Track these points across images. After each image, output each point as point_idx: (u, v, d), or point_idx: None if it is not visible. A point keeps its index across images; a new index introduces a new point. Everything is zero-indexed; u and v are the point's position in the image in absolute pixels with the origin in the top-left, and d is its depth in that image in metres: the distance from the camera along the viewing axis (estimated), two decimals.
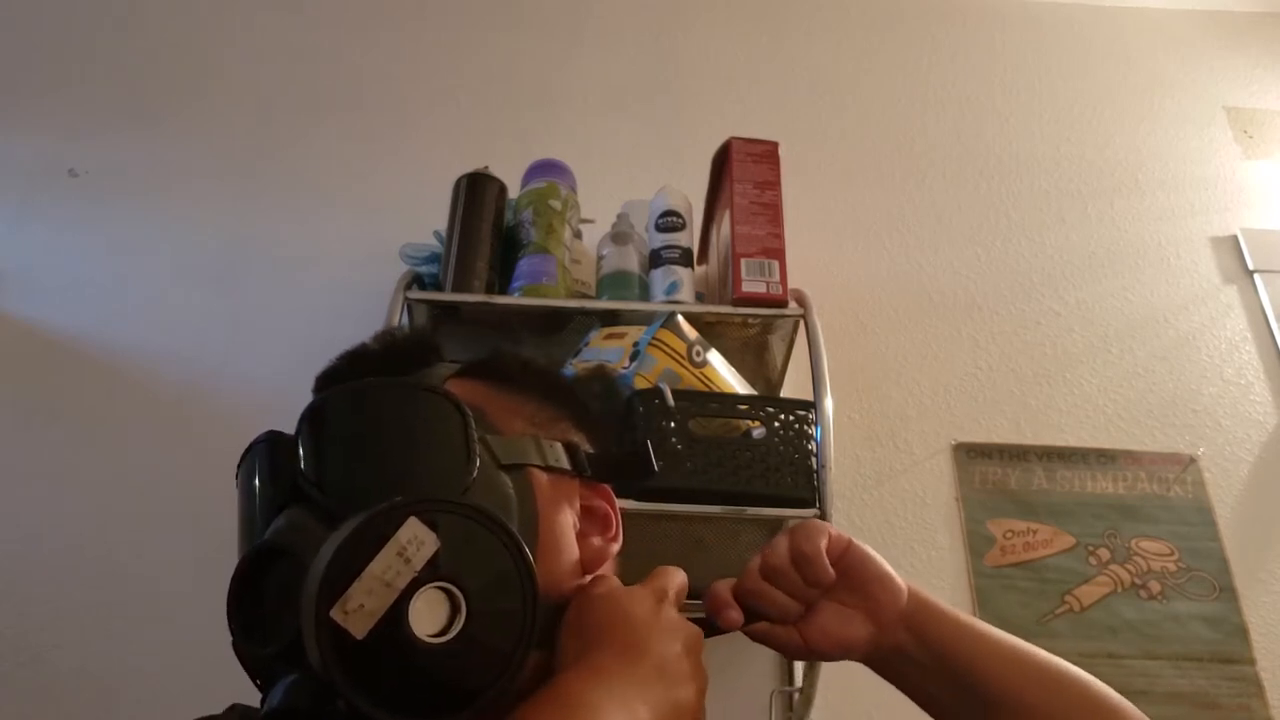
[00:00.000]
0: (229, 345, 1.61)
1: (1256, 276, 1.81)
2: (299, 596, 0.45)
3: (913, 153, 1.92)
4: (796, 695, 1.34)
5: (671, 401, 1.17)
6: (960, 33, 2.10)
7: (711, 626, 0.60)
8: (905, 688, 0.64)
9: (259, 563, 0.49)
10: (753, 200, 1.35)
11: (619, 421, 1.20)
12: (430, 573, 0.44)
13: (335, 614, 0.43)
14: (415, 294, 1.33)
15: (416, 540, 0.45)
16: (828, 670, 1.27)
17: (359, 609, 0.43)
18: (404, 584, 0.44)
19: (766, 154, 1.39)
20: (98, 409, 1.56)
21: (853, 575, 0.61)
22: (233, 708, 0.56)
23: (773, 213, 1.34)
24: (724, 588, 0.61)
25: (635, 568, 0.58)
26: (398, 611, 0.43)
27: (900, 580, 0.63)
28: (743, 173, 1.36)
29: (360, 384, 0.54)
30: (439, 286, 1.34)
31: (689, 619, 0.56)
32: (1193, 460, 1.61)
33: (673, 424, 1.17)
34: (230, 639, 0.50)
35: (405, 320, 1.34)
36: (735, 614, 0.60)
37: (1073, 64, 2.08)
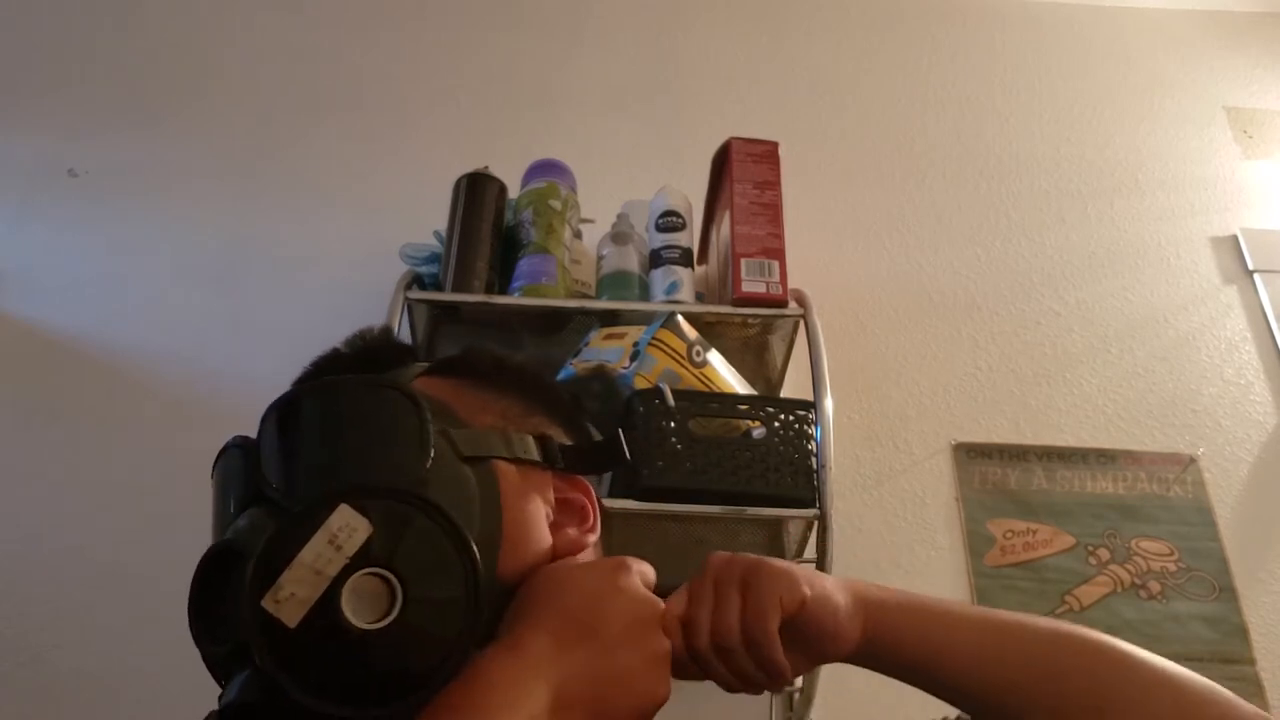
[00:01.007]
0: (229, 345, 1.61)
1: (1256, 276, 1.81)
2: None
3: (913, 153, 1.92)
4: (796, 695, 1.34)
5: (671, 401, 1.17)
6: (960, 33, 2.10)
7: None
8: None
9: (219, 563, 0.49)
10: (753, 200, 1.35)
11: (617, 421, 1.20)
12: (363, 560, 0.44)
13: (267, 603, 0.43)
14: (415, 294, 1.33)
15: (348, 528, 0.45)
16: (828, 670, 1.27)
17: (290, 598, 0.43)
18: (335, 571, 0.44)
19: (766, 154, 1.39)
20: (98, 409, 1.56)
21: (802, 632, 0.55)
22: (209, 716, 0.56)
23: (773, 213, 1.34)
24: (676, 638, 0.53)
25: None
26: (330, 599, 0.43)
27: (851, 625, 0.55)
28: (743, 173, 1.36)
29: (314, 384, 0.55)
30: (439, 286, 1.34)
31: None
32: (1193, 460, 1.61)
33: (673, 424, 1.17)
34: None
35: (406, 320, 1.34)
36: (695, 670, 0.55)
37: (1073, 64, 2.08)
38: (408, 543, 0.46)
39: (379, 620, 0.44)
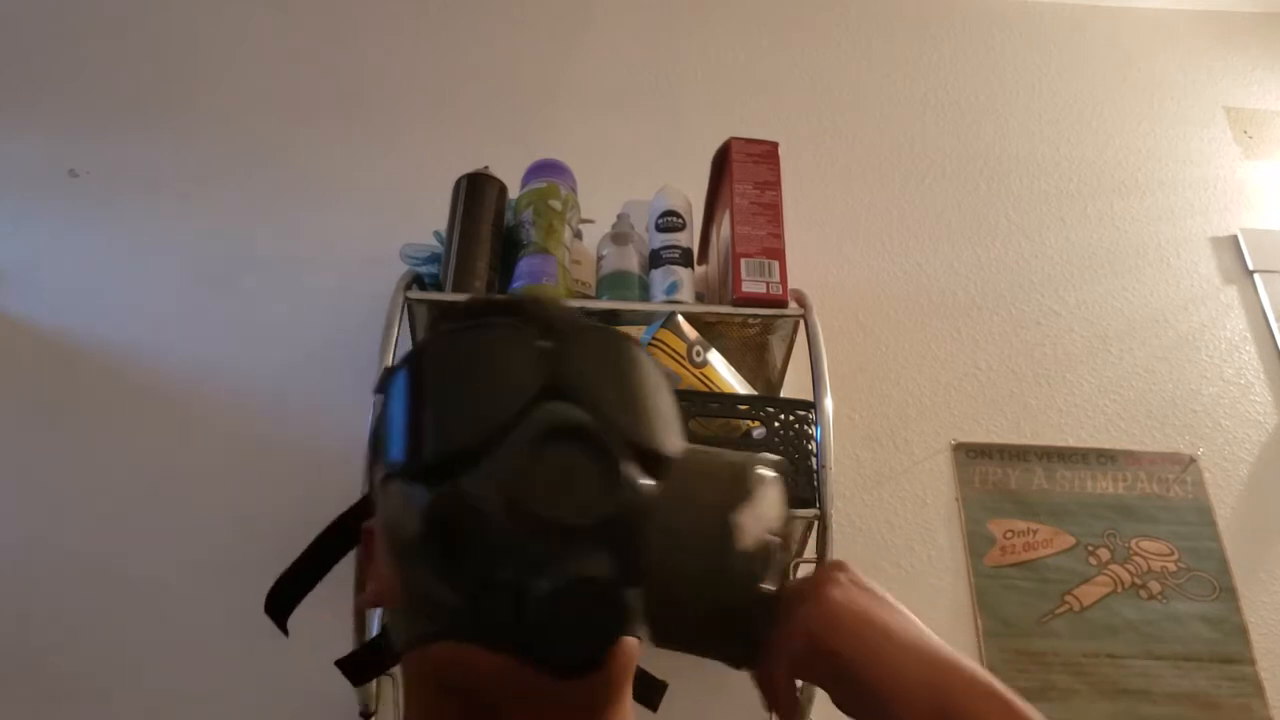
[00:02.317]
0: (229, 345, 1.61)
1: (1256, 276, 1.81)
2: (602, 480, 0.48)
3: (912, 153, 1.92)
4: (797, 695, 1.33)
5: None
6: (960, 33, 2.10)
7: None
8: None
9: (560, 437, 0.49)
10: (753, 200, 1.35)
11: None
12: (773, 525, 0.53)
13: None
14: (415, 294, 1.33)
15: (777, 498, 0.55)
16: None
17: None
18: (771, 528, 0.53)
19: (766, 154, 1.39)
20: (98, 409, 1.56)
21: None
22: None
23: (773, 213, 1.34)
24: None
25: None
26: (762, 550, 0.52)
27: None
28: (743, 173, 1.36)
29: (612, 329, 0.61)
30: (439, 287, 1.34)
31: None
32: (1193, 460, 1.61)
33: None
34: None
35: (406, 321, 1.33)
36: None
37: (1073, 64, 2.08)
38: (785, 512, 0.55)
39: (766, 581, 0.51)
